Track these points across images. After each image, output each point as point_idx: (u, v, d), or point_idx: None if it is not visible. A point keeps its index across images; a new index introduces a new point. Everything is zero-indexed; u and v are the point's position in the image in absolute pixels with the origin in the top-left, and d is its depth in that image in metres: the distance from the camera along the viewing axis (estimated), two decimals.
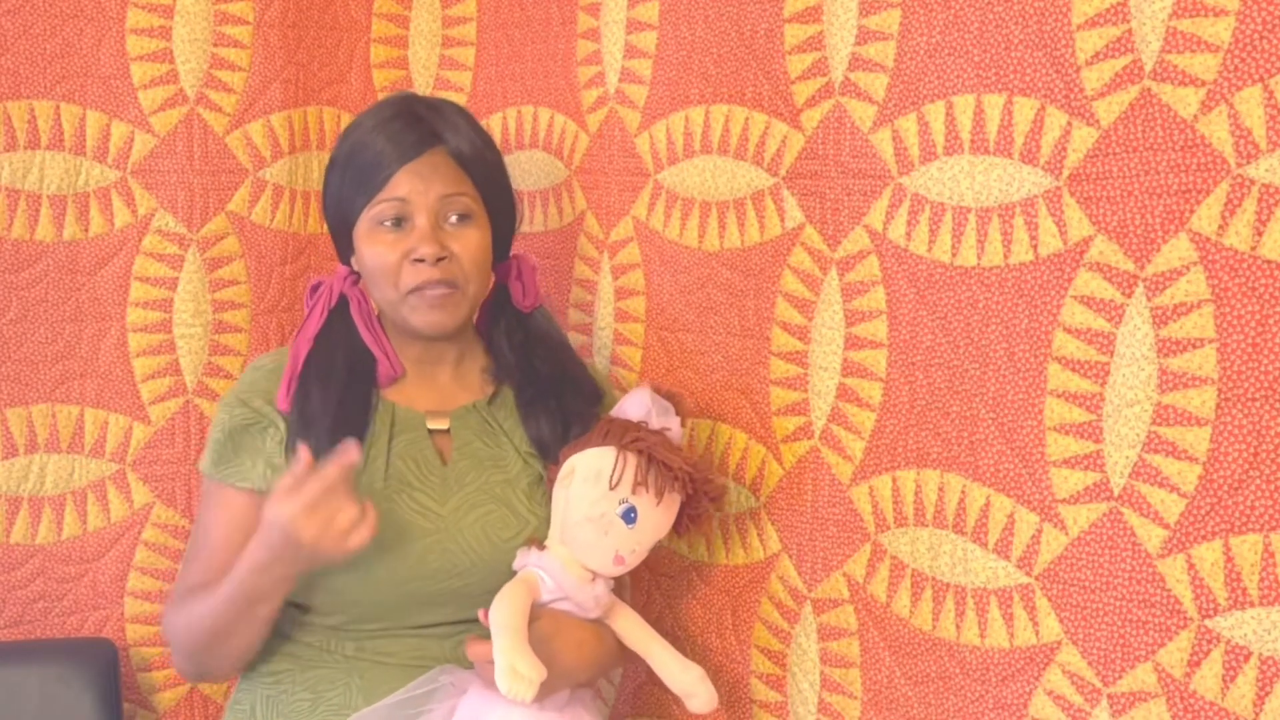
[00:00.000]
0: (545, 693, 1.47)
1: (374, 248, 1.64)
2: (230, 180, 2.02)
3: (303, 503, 1.44)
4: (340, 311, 1.70)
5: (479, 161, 1.69)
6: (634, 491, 1.54)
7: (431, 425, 1.68)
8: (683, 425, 1.63)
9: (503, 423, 1.71)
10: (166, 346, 1.99)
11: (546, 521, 1.62)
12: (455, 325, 1.67)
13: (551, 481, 1.61)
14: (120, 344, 1.97)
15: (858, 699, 1.56)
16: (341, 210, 1.68)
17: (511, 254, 1.77)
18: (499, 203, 1.72)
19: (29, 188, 1.90)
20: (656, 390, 1.63)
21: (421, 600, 1.61)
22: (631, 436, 1.56)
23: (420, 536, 1.61)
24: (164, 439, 1.99)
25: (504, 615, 1.47)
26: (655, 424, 1.59)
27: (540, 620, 1.52)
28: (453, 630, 1.63)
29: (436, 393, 1.71)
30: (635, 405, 1.61)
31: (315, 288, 1.73)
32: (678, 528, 1.61)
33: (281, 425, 1.64)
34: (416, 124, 1.66)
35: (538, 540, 1.59)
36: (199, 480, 1.81)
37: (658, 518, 1.57)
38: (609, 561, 1.55)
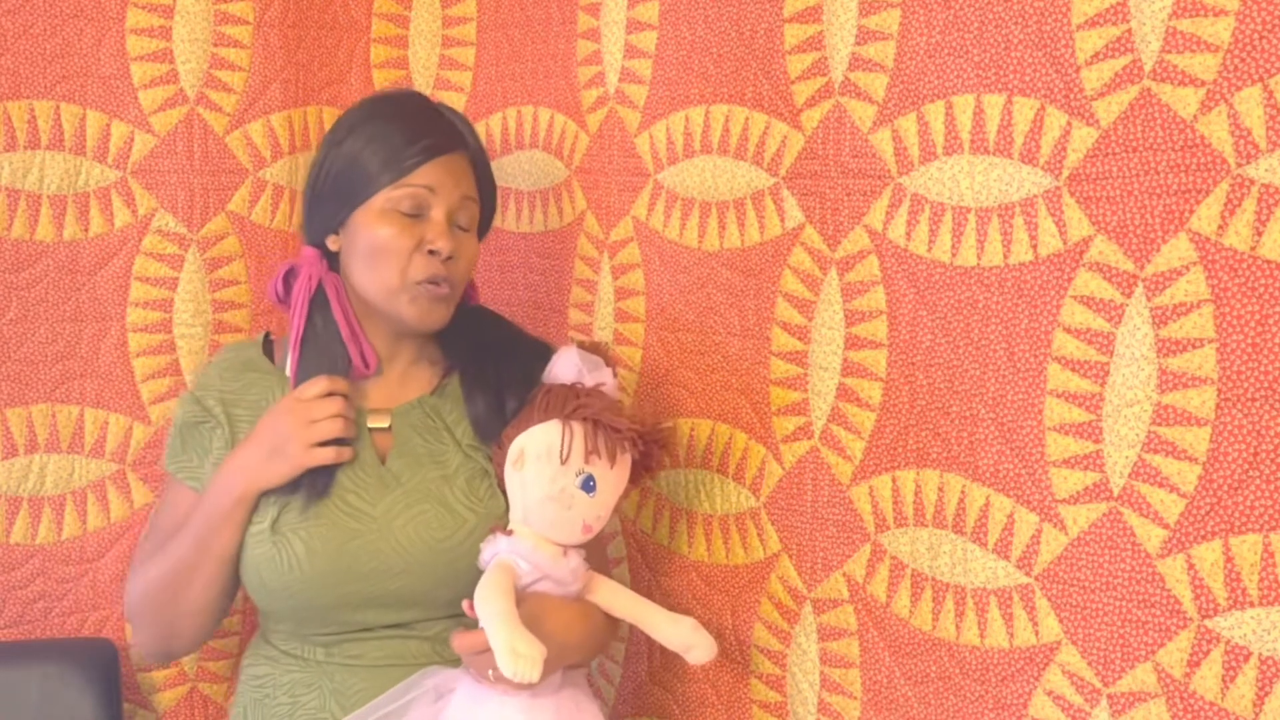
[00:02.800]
0: (540, 675, 1.46)
1: (387, 229, 1.61)
2: (230, 180, 2.02)
3: (299, 391, 1.59)
4: (318, 302, 1.67)
5: (486, 177, 1.74)
6: (587, 461, 1.53)
7: (373, 424, 1.67)
8: (614, 375, 1.61)
9: (446, 416, 1.69)
10: (166, 346, 1.99)
11: (486, 517, 1.61)
12: (442, 326, 1.67)
13: (499, 465, 1.59)
14: (120, 344, 1.97)
15: (857, 699, 1.56)
16: (353, 179, 1.64)
17: None
18: (486, 221, 1.76)
19: (29, 188, 1.90)
20: (582, 345, 1.62)
21: (359, 602, 1.60)
22: (573, 405, 1.54)
23: (351, 538, 1.59)
24: (164, 439, 1.99)
25: (491, 601, 1.45)
26: (589, 381, 1.57)
27: (525, 604, 1.50)
28: (414, 631, 1.62)
29: (384, 389, 1.70)
30: (565, 367, 1.59)
31: (288, 274, 1.69)
32: (634, 478, 1.60)
33: (227, 427, 1.66)
34: (445, 124, 1.69)
35: (501, 527, 1.57)
36: None
37: (615, 478, 1.56)
38: (577, 532, 1.55)
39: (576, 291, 1.94)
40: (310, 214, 1.70)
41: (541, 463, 1.53)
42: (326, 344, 1.66)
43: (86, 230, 1.94)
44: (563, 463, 1.52)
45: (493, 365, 1.69)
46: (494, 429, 1.63)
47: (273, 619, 1.67)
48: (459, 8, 2.14)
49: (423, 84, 2.18)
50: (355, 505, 1.61)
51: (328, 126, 2.09)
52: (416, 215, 1.63)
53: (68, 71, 1.91)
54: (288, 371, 1.67)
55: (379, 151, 1.64)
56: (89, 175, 1.93)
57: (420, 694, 1.55)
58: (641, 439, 1.56)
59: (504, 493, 1.60)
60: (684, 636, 1.58)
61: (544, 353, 1.68)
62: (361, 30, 2.16)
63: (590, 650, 1.62)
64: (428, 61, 2.18)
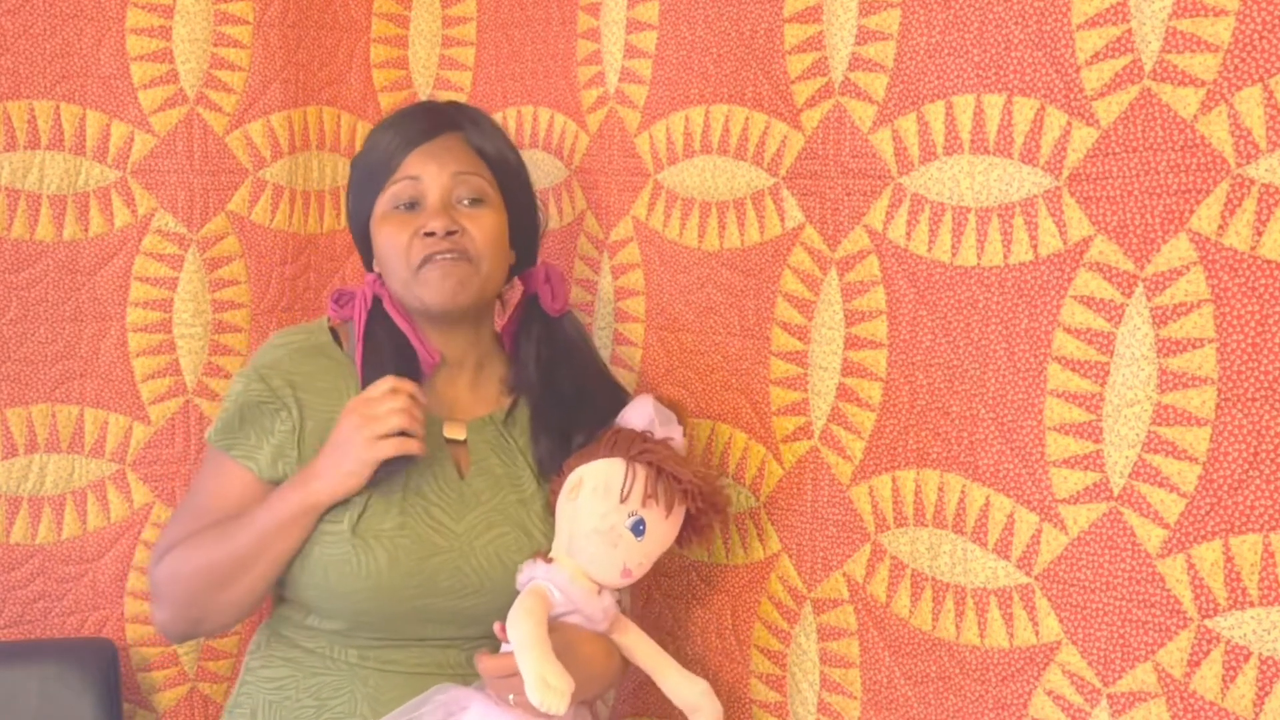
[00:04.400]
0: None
1: (386, 228, 1.64)
2: (230, 180, 2.02)
3: (366, 392, 1.56)
4: (377, 312, 1.68)
5: (497, 155, 1.70)
6: (644, 504, 1.54)
7: (448, 434, 1.67)
8: (685, 433, 1.62)
9: (517, 440, 1.69)
10: (166, 346, 1.99)
11: None
12: (469, 300, 1.64)
13: (554, 494, 1.60)
14: (120, 344, 1.97)
15: (857, 699, 1.56)
16: (359, 205, 1.70)
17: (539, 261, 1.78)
18: (518, 197, 1.72)
19: (29, 188, 1.90)
20: (659, 399, 1.62)
21: (427, 616, 1.60)
22: (640, 448, 1.55)
23: (434, 553, 1.59)
24: (164, 439, 1.99)
25: (526, 628, 1.45)
26: (659, 434, 1.58)
27: (557, 632, 1.50)
28: (457, 642, 1.62)
29: (454, 399, 1.70)
30: (638, 415, 1.60)
31: (339, 297, 1.71)
32: (680, 540, 1.61)
33: (295, 411, 1.63)
34: (432, 114, 1.71)
35: (542, 553, 1.58)
36: None
37: (665, 530, 1.57)
38: (616, 574, 1.55)
39: (576, 291, 1.94)
40: (357, 245, 1.76)
41: (598, 495, 1.54)
42: (390, 345, 1.65)
43: (86, 230, 1.94)
44: (621, 501, 1.53)
45: (564, 410, 1.68)
46: (557, 469, 1.63)
47: (304, 616, 1.64)
48: (459, 8, 2.14)
49: (423, 84, 2.18)
50: (440, 520, 1.61)
51: (328, 126, 2.11)
52: (414, 209, 1.65)
53: (68, 71, 1.91)
54: (356, 359, 1.65)
55: (370, 164, 1.69)
56: (89, 175, 1.93)
57: (429, 710, 1.54)
58: (700, 495, 1.56)
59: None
60: (694, 698, 1.59)
61: (619, 401, 1.67)
62: (361, 30, 2.16)
63: (605, 687, 1.63)
64: (428, 61, 2.18)
